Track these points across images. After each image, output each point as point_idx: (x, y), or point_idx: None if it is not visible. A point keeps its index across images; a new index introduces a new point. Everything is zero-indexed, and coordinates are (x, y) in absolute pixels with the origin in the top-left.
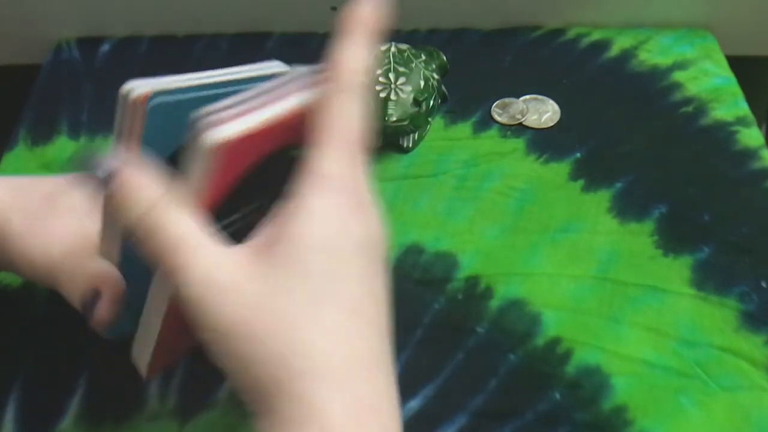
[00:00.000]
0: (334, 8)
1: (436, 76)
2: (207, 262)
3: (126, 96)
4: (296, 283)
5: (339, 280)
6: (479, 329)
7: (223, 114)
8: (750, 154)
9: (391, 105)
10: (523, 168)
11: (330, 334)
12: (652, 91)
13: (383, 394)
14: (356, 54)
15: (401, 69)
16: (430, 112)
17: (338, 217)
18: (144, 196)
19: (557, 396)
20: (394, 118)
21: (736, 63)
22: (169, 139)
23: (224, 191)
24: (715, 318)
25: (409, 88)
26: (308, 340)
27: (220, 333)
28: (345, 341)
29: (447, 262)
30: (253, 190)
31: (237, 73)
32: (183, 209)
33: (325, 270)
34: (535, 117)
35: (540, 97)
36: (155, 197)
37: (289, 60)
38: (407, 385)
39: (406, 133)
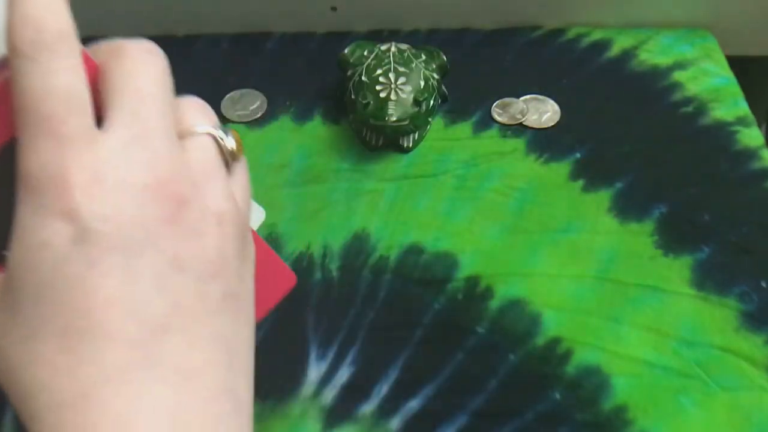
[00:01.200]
0: (334, 8)
1: (436, 76)
2: None
3: None
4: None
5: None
6: (479, 329)
7: None
8: (750, 154)
9: (391, 105)
10: (523, 168)
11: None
12: (652, 91)
13: None
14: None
15: (401, 69)
16: (430, 112)
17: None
18: None
19: (557, 396)
20: (395, 118)
21: (736, 63)
22: None
23: None
24: (716, 318)
25: (409, 88)
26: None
27: None
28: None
29: (447, 262)
30: None
31: None
32: None
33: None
34: (535, 117)
35: (540, 97)
36: None
37: (289, 60)
38: (407, 385)
39: (406, 133)
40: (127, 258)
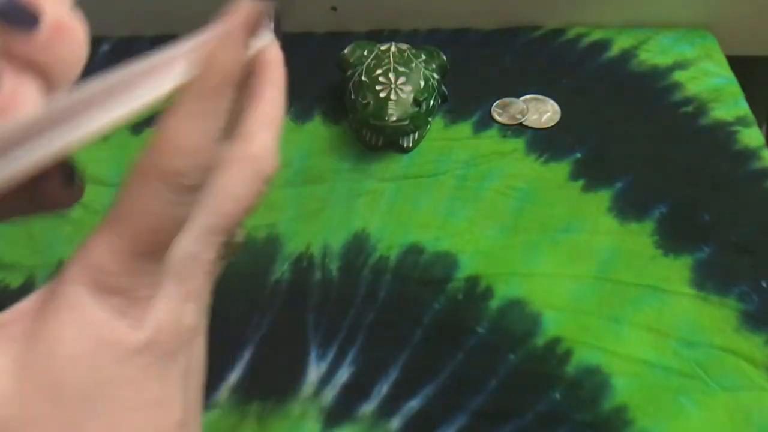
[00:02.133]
0: (334, 8)
1: (436, 76)
2: None
3: None
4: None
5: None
6: (479, 329)
7: None
8: (750, 154)
9: (391, 105)
10: (523, 168)
11: None
12: (652, 91)
13: None
14: (192, 128)
15: (401, 69)
16: (430, 112)
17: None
18: None
19: (557, 396)
20: (395, 118)
21: (736, 63)
22: None
23: None
24: (716, 318)
25: (409, 88)
26: None
27: None
28: None
29: (447, 262)
30: None
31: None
32: None
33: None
34: (535, 117)
35: (540, 97)
36: None
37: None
38: (407, 385)
39: (406, 133)
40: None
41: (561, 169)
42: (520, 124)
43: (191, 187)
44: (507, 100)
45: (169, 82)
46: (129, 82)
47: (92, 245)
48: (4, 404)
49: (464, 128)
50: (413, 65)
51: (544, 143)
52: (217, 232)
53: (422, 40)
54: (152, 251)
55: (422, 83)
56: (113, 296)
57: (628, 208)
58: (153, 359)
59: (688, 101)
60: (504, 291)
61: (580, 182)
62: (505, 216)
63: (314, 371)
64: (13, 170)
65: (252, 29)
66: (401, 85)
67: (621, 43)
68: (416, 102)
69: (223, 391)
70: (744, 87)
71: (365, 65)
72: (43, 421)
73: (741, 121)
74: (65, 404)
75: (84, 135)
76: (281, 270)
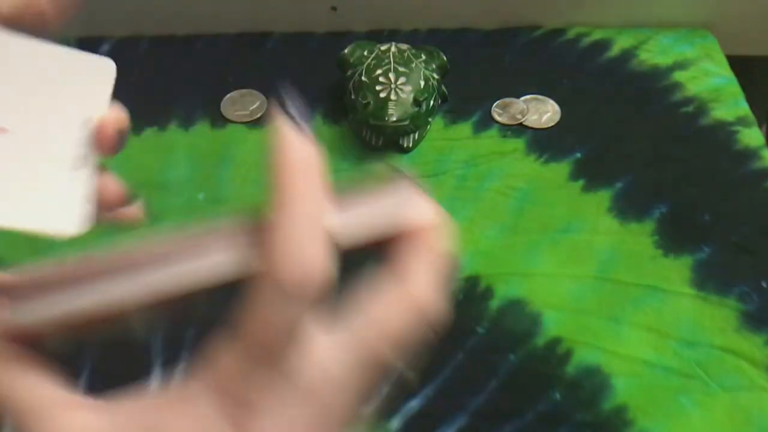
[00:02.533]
0: (334, 8)
1: (436, 76)
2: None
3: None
4: None
5: None
6: (479, 329)
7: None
8: (750, 154)
9: (391, 105)
10: (523, 168)
11: None
12: (652, 91)
13: None
14: (315, 252)
15: (401, 69)
16: (430, 112)
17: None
18: None
19: (557, 396)
20: (394, 118)
21: (736, 63)
22: None
23: None
24: (716, 318)
25: (409, 88)
26: None
27: None
28: None
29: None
30: None
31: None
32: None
33: None
34: (535, 117)
35: (540, 97)
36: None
37: (289, 60)
38: (407, 385)
39: (406, 133)
40: None
41: (561, 169)
42: (520, 124)
43: (310, 302)
44: (507, 100)
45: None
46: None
47: (218, 346)
48: None
49: (464, 128)
50: (413, 65)
51: (544, 143)
52: (362, 361)
53: (422, 40)
54: (267, 358)
55: (422, 83)
56: (226, 396)
57: (628, 208)
58: None
59: (688, 101)
60: (504, 291)
61: (580, 182)
62: (505, 216)
63: None
64: (47, 314)
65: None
66: (401, 85)
67: (621, 43)
68: (416, 102)
69: None
70: (744, 87)
71: (365, 65)
72: None
73: (741, 121)
74: None
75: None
76: None
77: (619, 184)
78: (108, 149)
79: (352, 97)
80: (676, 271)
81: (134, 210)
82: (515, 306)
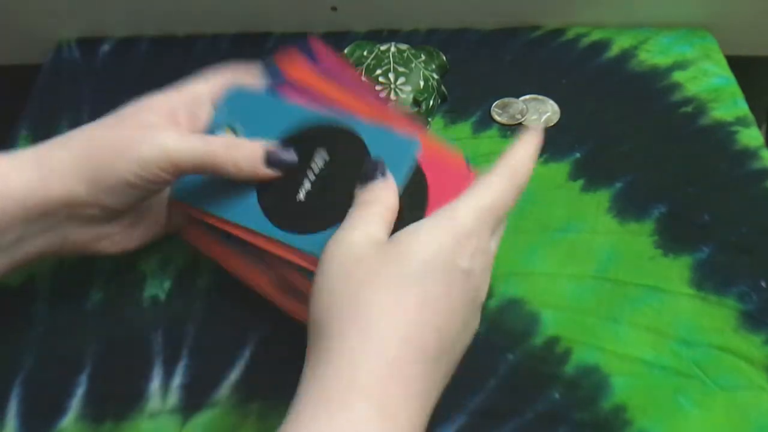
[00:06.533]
0: (334, 8)
1: (435, 76)
2: (365, 232)
3: None
4: (395, 271)
5: (422, 290)
6: (479, 328)
7: None
8: (750, 154)
9: (390, 105)
10: None
11: (389, 316)
12: (652, 91)
13: (406, 406)
14: (531, 159)
15: (401, 69)
16: (430, 112)
17: (445, 257)
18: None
19: (556, 396)
20: None
21: (736, 63)
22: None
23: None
24: (715, 318)
25: (409, 88)
26: (373, 308)
27: (327, 264)
28: (395, 330)
29: None
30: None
31: None
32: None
33: (420, 277)
34: (535, 117)
35: (540, 97)
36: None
37: None
38: None
39: None
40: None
41: (561, 169)
42: (520, 124)
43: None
44: (506, 100)
45: None
46: None
47: (457, 205)
48: (374, 257)
49: (464, 128)
50: (413, 65)
51: (543, 143)
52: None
53: (422, 40)
54: (494, 228)
55: (422, 83)
56: (458, 247)
57: (627, 208)
58: (461, 305)
59: (687, 101)
60: (503, 290)
61: (580, 182)
62: None
63: None
64: None
65: None
66: (401, 85)
67: (621, 43)
68: (416, 102)
69: (224, 390)
70: (744, 87)
71: (365, 65)
72: (386, 273)
73: (740, 121)
74: (407, 277)
75: None
76: None
77: (618, 184)
78: None
79: None
80: (676, 270)
81: None
82: (514, 305)
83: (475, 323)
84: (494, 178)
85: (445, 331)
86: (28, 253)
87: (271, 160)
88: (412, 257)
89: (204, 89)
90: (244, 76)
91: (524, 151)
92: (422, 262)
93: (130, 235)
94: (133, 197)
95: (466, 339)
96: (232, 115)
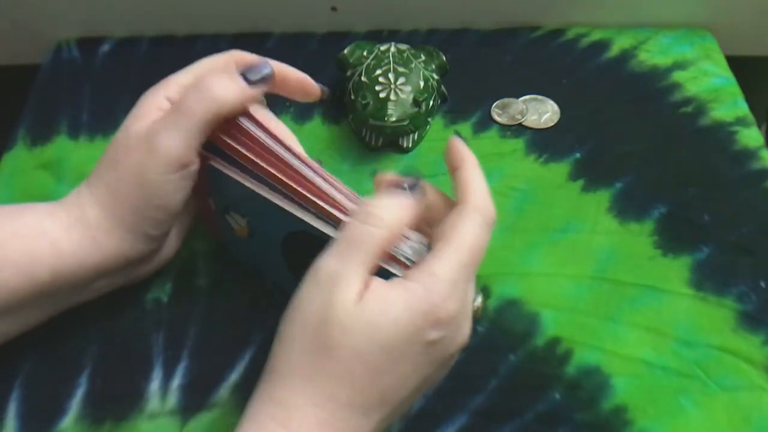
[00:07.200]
0: (334, 8)
1: (435, 76)
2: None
3: None
4: (356, 341)
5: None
6: (479, 329)
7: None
8: (750, 154)
9: (391, 105)
10: (523, 168)
11: (338, 386)
12: (651, 91)
13: None
14: (482, 184)
15: (401, 69)
16: (430, 112)
17: (409, 336)
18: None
19: (557, 396)
20: (394, 118)
21: (736, 63)
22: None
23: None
24: (714, 318)
25: (408, 88)
26: (330, 377)
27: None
28: (336, 400)
29: None
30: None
31: None
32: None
33: (381, 353)
34: (534, 117)
35: (540, 97)
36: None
37: (289, 60)
38: None
39: (406, 133)
40: None
41: (560, 169)
42: (520, 124)
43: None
44: (506, 100)
45: None
46: None
47: (432, 261)
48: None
49: (464, 128)
50: (413, 65)
51: (543, 143)
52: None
53: (422, 40)
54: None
55: (422, 83)
56: (436, 309)
57: (627, 208)
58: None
59: (687, 101)
60: (501, 290)
61: (580, 182)
62: (504, 216)
63: None
64: None
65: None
66: (401, 85)
67: (620, 43)
68: (416, 102)
69: (224, 391)
70: (744, 87)
71: (365, 65)
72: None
73: (740, 121)
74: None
75: None
76: None
77: (618, 184)
78: None
79: (352, 97)
80: (675, 271)
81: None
82: (513, 306)
83: (441, 372)
84: (467, 223)
85: (392, 393)
86: (98, 290)
87: (249, 80)
88: (377, 331)
89: (185, 81)
90: (221, 75)
91: (477, 183)
92: (385, 338)
93: (168, 245)
94: (176, 208)
95: (426, 388)
96: None
